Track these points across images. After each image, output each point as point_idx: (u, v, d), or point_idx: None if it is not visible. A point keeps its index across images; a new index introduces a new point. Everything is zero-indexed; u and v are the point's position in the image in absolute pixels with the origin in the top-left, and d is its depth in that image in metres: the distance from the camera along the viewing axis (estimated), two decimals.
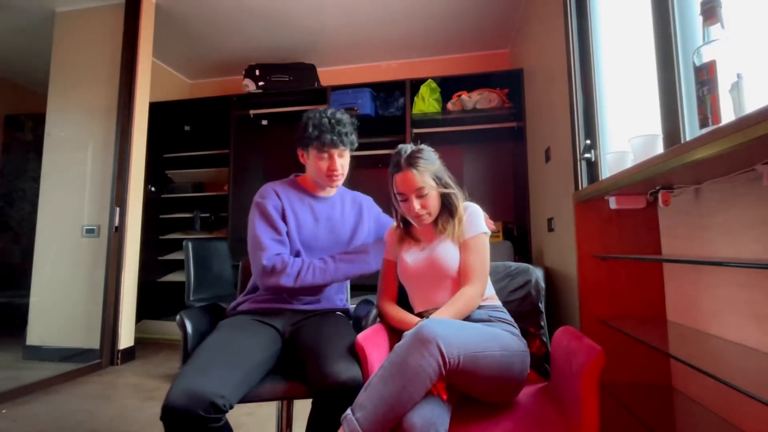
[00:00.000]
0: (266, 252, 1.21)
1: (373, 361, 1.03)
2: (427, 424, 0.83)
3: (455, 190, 1.21)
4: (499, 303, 1.22)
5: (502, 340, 1.00)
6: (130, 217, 2.83)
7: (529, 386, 1.16)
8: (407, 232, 1.28)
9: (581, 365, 0.90)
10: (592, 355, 0.89)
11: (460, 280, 1.16)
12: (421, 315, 1.19)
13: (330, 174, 1.31)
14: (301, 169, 1.44)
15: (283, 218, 1.30)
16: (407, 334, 0.92)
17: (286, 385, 1.12)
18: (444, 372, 0.87)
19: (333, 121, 1.28)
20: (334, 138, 1.27)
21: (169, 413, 0.89)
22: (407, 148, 1.21)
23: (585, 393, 0.87)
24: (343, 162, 1.32)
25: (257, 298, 1.30)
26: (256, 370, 1.07)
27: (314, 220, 1.35)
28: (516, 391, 1.05)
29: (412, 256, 1.23)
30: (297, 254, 1.30)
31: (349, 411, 0.86)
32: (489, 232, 1.21)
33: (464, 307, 1.09)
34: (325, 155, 1.30)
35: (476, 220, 1.20)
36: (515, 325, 1.15)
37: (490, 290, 1.23)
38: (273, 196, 1.32)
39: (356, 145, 1.36)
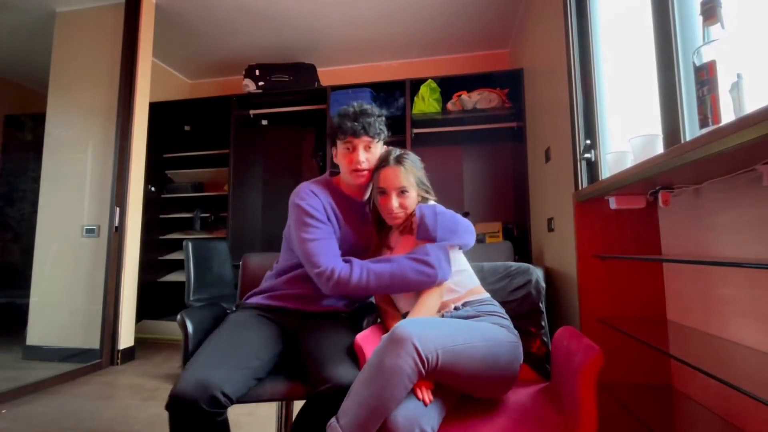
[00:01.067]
0: (320, 257, 1.15)
1: None
2: (410, 422, 0.83)
3: (432, 197, 1.25)
4: (486, 295, 1.19)
5: (484, 331, 1.00)
6: (130, 217, 2.83)
7: (530, 386, 1.16)
8: (380, 238, 1.28)
9: (580, 365, 0.90)
10: (590, 354, 0.89)
11: None
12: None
13: (353, 168, 1.22)
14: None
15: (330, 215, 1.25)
16: (384, 337, 0.92)
17: (286, 385, 1.12)
18: (423, 370, 0.87)
19: (358, 110, 1.22)
20: (355, 125, 1.19)
21: (177, 402, 0.92)
22: (396, 150, 1.24)
23: (584, 392, 0.87)
24: (369, 156, 1.22)
25: (267, 295, 1.30)
26: (261, 369, 1.10)
27: (347, 224, 1.29)
28: (508, 383, 1.04)
29: None
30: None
31: (333, 419, 0.86)
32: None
33: (428, 311, 1.08)
34: (349, 146, 1.22)
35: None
36: (506, 316, 1.13)
37: (474, 282, 1.21)
38: (312, 196, 1.25)
39: (384, 136, 1.27)
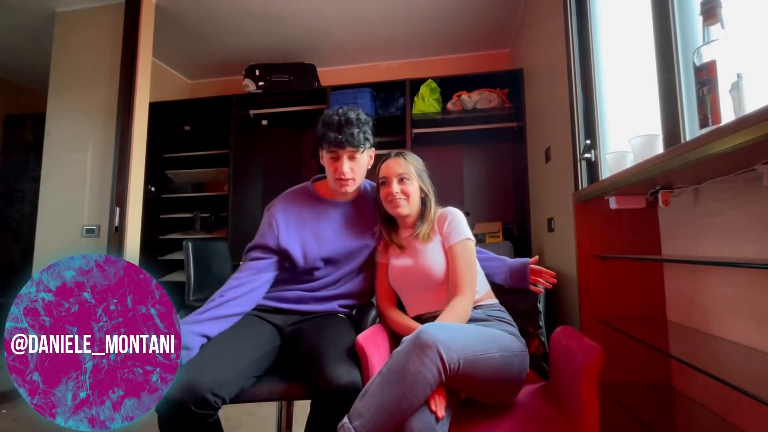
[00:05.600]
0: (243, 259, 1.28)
1: (374, 361, 1.03)
2: (425, 429, 0.83)
3: (432, 196, 1.27)
4: (496, 301, 1.22)
5: (500, 341, 1.00)
6: (130, 217, 2.83)
7: (528, 385, 1.16)
8: (390, 239, 1.28)
9: (581, 364, 0.90)
10: (592, 354, 0.89)
11: (448, 288, 1.16)
12: (419, 318, 1.19)
13: (337, 176, 1.23)
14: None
15: (287, 236, 1.25)
16: (406, 339, 0.91)
17: (286, 385, 1.12)
18: (444, 378, 0.86)
19: (342, 119, 1.21)
20: (339, 137, 1.19)
21: (165, 404, 0.91)
22: (399, 149, 1.31)
23: (585, 392, 0.87)
24: (353, 165, 1.23)
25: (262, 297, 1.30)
26: (254, 367, 1.08)
27: (332, 230, 1.29)
28: (516, 391, 1.05)
29: (399, 262, 1.24)
30: (315, 269, 1.28)
31: (346, 419, 0.84)
32: (473, 239, 1.21)
33: (457, 321, 1.08)
34: (333, 156, 1.23)
35: (460, 225, 1.21)
36: (514, 324, 1.15)
37: (486, 288, 1.23)
38: (278, 213, 1.28)
39: (370, 145, 1.27)
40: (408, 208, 1.23)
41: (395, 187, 1.21)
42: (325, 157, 1.26)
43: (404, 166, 1.23)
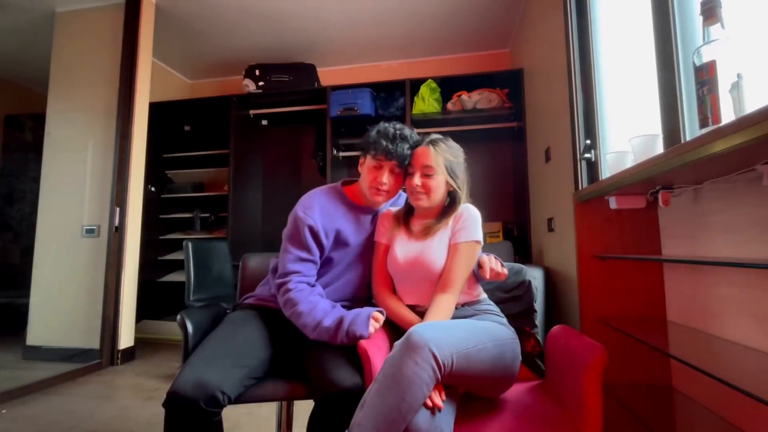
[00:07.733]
0: (285, 267, 1.20)
1: (377, 363, 1.02)
2: (433, 427, 0.83)
3: (462, 193, 1.20)
4: (483, 296, 1.21)
5: (490, 331, 1.01)
6: (130, 217, 2.83)
7: (525, 383, 1.17)
8: (406, 219, 1.25)
9: (585, 363, 0.90)
10: (595, 352, 0.90)
11: (439, 281, 1.13)
12: (413, 308, 1.18)
13: (374, 185, 1.22)
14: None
15: (324, 238, 1.23)
16: (397, 344, 0.91)
17: (287, 385, 1.12)
18: (440, 376, 0.86)
19: (398, 132, 1.20)
20: (390, 147, 1.18)
21: (175, 400, 0.92)
22: (437, 135, 1.22)
23: (589, 390, 0.88)
24: (392, 179, 1.22)
25: (263, 296, 1.30)
26: (260, 368, 1.10)
27: (364, 235, 1.29)
28: (511, 381, 1.05)
29: (402, 249, 1.20)
30: (337, 275, 1.28)
31: None
32: (482, 242, 1.19)
33: (445, 318, 1.08)
34: (378, 164, 1.21)
35: (473, 225, 1.18)
36: (501, 314, 1.16)
37: (479, 289, 1.22)
38: (315, 213, 1.23)
39: (406, 163, 1.22)
40: (428, 202, 1.19)
41: (417, 180, 1.17)
42: (367, 164, 1.24)
43: (432, 158, 1.16)
